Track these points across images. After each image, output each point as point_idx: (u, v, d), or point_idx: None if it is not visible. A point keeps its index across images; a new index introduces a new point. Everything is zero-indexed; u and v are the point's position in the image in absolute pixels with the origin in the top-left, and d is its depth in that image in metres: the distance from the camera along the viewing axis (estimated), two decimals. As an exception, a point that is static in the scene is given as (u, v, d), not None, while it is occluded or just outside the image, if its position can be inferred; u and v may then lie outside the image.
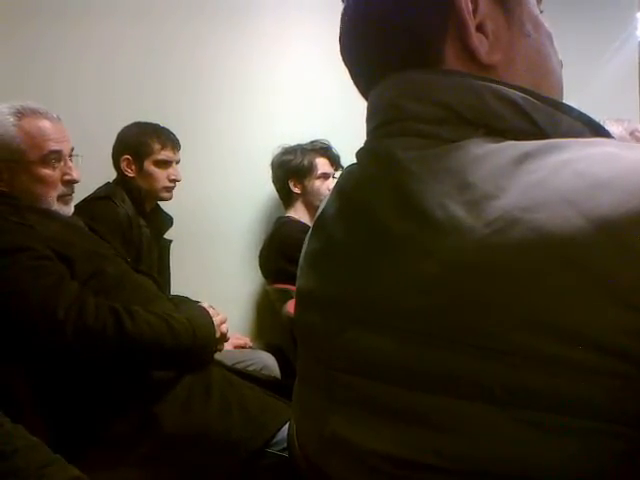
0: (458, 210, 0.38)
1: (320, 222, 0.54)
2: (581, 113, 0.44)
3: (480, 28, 0.46)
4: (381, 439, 0.41)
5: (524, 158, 0.38)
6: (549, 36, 0.50)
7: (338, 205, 0.51)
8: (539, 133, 0.42)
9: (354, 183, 0.50)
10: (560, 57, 0.52)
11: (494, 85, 0.44)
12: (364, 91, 0.53)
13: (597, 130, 0.44)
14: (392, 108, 0.48)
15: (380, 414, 0.42)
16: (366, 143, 0.52)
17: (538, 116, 0.43)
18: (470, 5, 0.45)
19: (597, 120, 0.45)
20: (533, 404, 0.35)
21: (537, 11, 0.50)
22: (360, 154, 0.52)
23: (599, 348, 0.33)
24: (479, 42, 0.45)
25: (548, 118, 0.43)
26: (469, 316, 0.36)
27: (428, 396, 0.38)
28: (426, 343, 0.38)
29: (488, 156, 0.40)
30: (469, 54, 0.46)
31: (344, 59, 0.53)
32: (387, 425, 0.41)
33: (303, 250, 0.58)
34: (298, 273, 0.58)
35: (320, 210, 0.56)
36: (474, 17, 0.45)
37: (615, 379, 0.33)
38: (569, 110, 0.44)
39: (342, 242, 0.49)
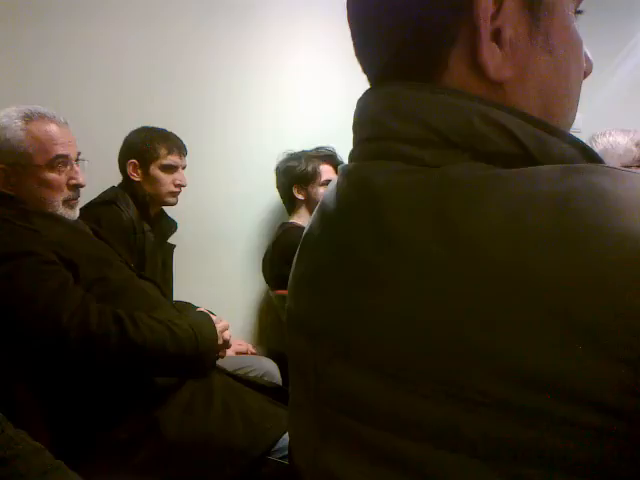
0: (435, 248, 0.36)
1: (305, 245, 0.53)
2: (575, 138, 0.42)
3: (496, 35, 0.41)
4: None
5: (499, 188, 0.36)
6: (580, 45, 0.45)
7: (321, 231, 0.49)
8: (528, 158, 0.40)
9: (335, 210, 0.47)
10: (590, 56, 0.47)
11: (484, 107, 0.40)
12: (369, 79, 0.49)
13: (591, 156, 0.41)
14: (375, 124, 0.45)
15: (368, 455, 0.41)
16: (349, 160, 0.49)
17: (528, 140, 0.40)
18: (491, 8, 0.40)
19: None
20: (515, 458, 0.34)
21: (571, 20, 0.44)
22: (342, 174, 0.49)
23: (576, 400, 0.31)
24: (490, 55, 0.41)
25: (539, 143, 0.40)
26: (447, 364, 0.35)
27: (415, 444, 0.37)
28: (410, 390, 0.37)
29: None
30: (476, 67, 0.41)
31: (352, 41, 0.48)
32: (375, 468, 0.40)
33: (291, 270, 0.55)
34: (287, 291, 0.56)
35: (306, 231, 0.53)
36: (492, 22, 0.40)
37: (592, 432, 0.32)
38: (562, 135, 0.41)
39: (324, 272, 0.47)
